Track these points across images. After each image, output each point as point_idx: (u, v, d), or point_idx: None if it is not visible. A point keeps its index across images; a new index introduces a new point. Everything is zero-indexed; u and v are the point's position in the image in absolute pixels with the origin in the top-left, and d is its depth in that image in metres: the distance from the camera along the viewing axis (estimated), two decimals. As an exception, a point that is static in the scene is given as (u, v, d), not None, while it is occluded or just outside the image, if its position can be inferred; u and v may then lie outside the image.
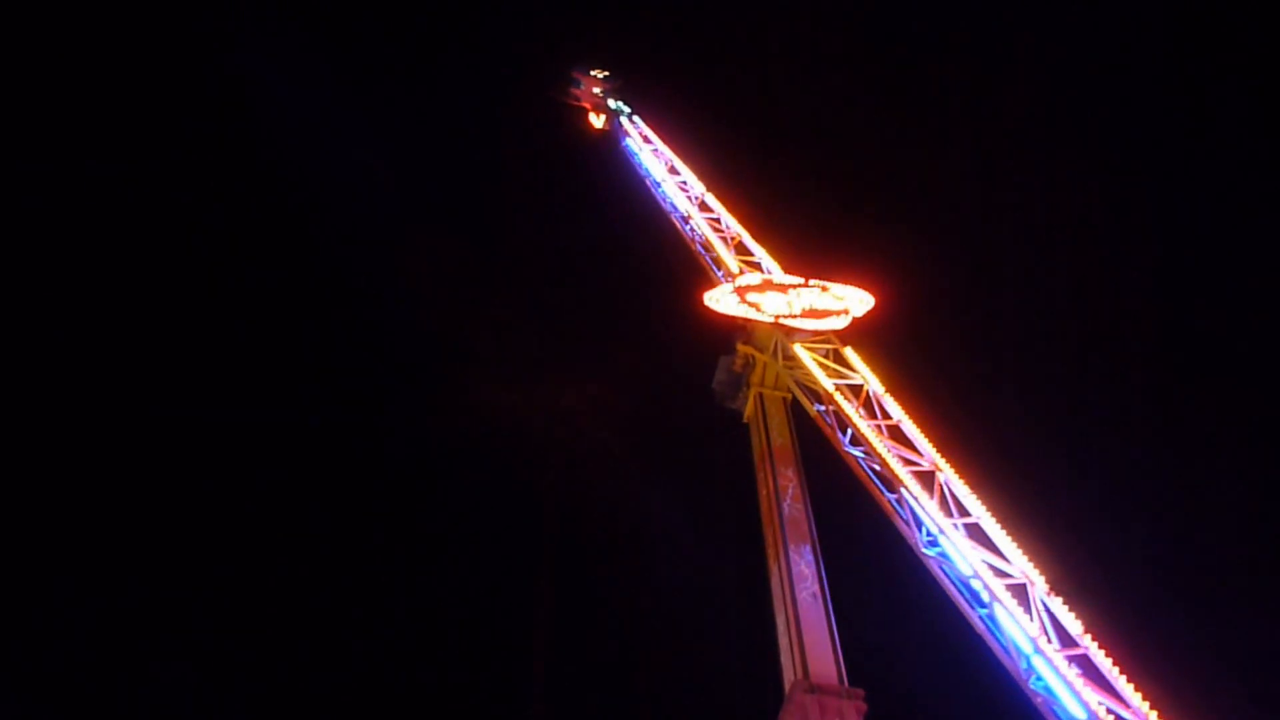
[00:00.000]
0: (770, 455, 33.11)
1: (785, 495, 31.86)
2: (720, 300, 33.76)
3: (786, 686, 27.62)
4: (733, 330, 34.63)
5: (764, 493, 32.64)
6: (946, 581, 28.31)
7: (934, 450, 30.62)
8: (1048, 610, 27.13)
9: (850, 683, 27.20)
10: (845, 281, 35.59)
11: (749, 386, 34.55)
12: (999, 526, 28.79)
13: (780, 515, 31.36)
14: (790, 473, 32.71)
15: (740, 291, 34.14)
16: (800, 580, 29.58)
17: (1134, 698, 25.43)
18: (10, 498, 39.96)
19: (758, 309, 33.77)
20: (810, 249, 37.57)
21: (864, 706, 26.53)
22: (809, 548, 30.37)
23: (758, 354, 34.34)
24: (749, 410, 34.61)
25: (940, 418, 32.26)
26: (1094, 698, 25.38)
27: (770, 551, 30.97)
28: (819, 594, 29.19)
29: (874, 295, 35.31)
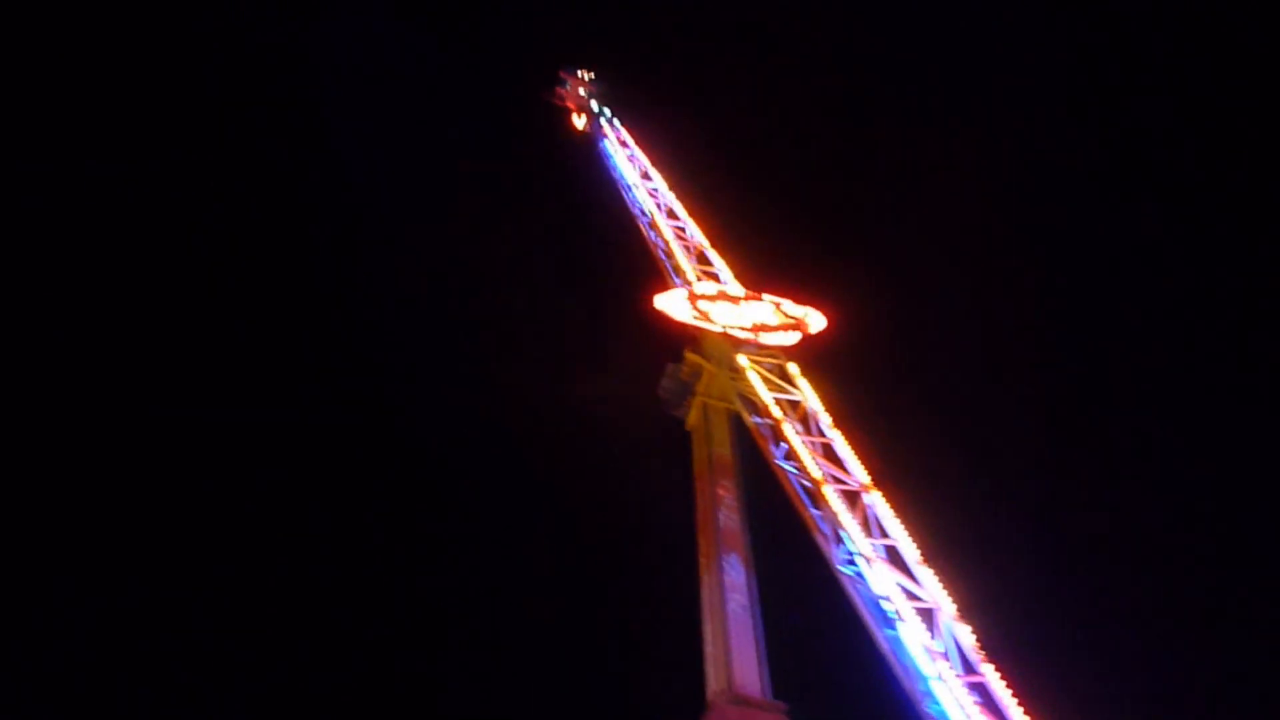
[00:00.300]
0: (710, 465, 33.21)
1: (722, 505, 31.93)
2: (671, 305, 34.04)
3: (709, 695, 27.70)
4: (683, 338, 34.84)
5: (701, 502, 32.78)
6: (858, 600, 28.53)
7: (862, 471, 30.85)
8: (953, 636, 27.40)
9: (774, 696, 27.28)
10: (801, 300, 35.94)
11: (694, 395, 34.63)
12: (916, 550, 29.04)
13: (715, 525, 31.46)
14: (729, 484, 32.79)
15: (692, 299, 34.43)
16: (731, 591, 29.68)
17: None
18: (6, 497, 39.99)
19: (707, 318, 34.05)
20: (770, 265, 37.94)
21: None
22: (741, 559, 30.43)
23: (705, 364, 34.42)
24: (693, 419, 34.75)
25: (873, 441, 32.67)
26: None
27: (703, 561, 31.09)
28: (748, 606, 29.27)
29: (827, 316, 35.65)
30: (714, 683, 27.90)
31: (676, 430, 35.34)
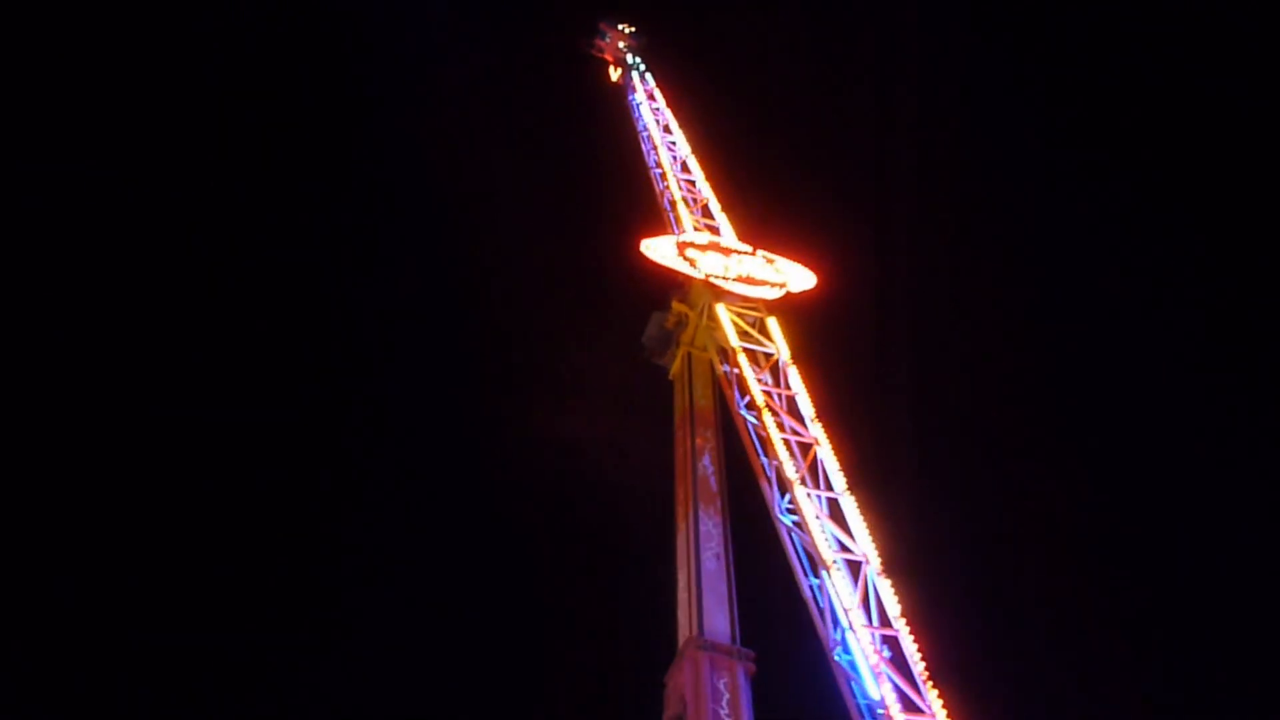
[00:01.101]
0: (692, 415, 33.42)
1: (701, 456, 32.15)
2: (658, 250, 34.30)
3: (680, 642, 28.09)
4: (671, 287, 35.11)
5: (680, 451, 33.02)
6: (790, 547, 28.81)
7: (819, 426, 31.08)
8: (875, 589, 27.57)
9: (744, 644, 27.47)
10: (795, 258, 36.04)
11: (679, 345, 34.88)
12: (854, 504, 29.24)
13: (694, 475, 31.71)
14: (709, 434, 32.97)
15: (681, 246, 34.67)
16: (706, 540, 29.91)
17: (927, 688, 25.78)
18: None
19: (693, 264, 34.26)
20: (775, 225, 37.92)
21: (753, 668, 26.93)
22: (716, 510, 30.63)
23: (691, 313, 34.70)
24: (675, 368, 35.01)
25: (839, 399, 32.86)
26: (890, 681, 25.83)
27: (680, 510, 31.36)
28: (722, 555, 29.47)
29: (817, 276, 35.74)
30: (685, 630, 28.26)
31: (660, 378, 35.71)
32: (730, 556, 29.70)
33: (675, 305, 34.89)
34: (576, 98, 45.26)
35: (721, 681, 26.49)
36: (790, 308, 35.07)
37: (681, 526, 30.96)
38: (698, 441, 32.72)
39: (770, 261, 35.59)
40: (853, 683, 26.15)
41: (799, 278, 35.41)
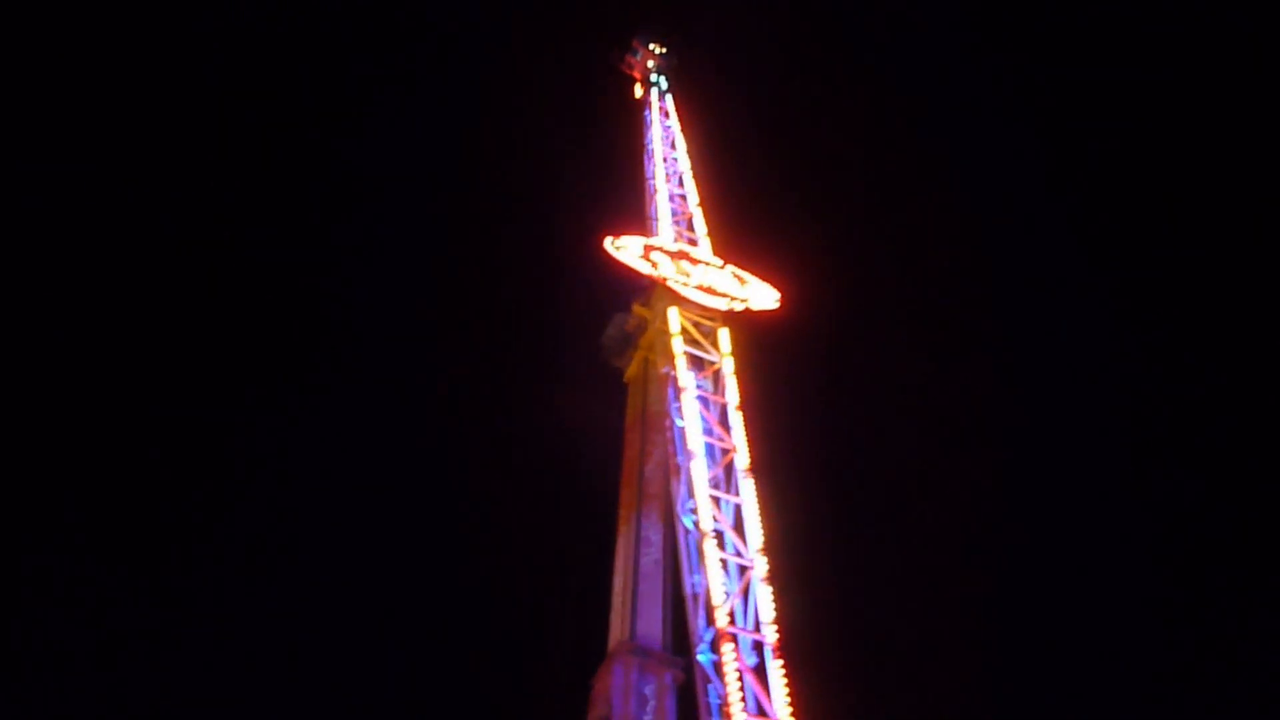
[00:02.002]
0: (644, 419, 33.46)
1: (649, 461, 32.20)
2: (623, 249, 34.37)
3: (610, 645, 28.04)
4: (636, 291, 35.13)
5: (629, 454, 32.95)
6: (682, 543, 28.71)
7: (743, 435, 31.02)
8: (755, 595, 27.53)
9: (675, 652, 27.38)
10: (768, 278, 35.99)
11: (637, 348, 34.78)
12: (756, 513, 29.12)
13: (640, 479, 31.74)
14: (659, 440, 33.01)
15: (648, 248, 34.74)
16: (646, 545, 29.76)
17: (782, 696, 25.46)
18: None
19: (654, 266, 34.27)
20: (759, 245, 37.82)
21: (681, 676, 26.82)
22: (659, 515, 30.44)
23: (651, 318, 34.71)
24: (632, 370, 34.95)
25: (774, 412, 32.71)
26: (746, 685, 25.64)
27: (623, 513, 31.29)
28: (661, 561, 29.31)
29: (781, 296, 35.62)
30: (617, 632, 28.20)
31: (615, 379, 35.72)
32: (669, 563, 29.53)
33: (636, 308, 34.87)
34: (590, 105, 45.15)
35: (649, 688, 26.41)
36: (755, 325, 35.06)
37: (623, 530, 30.85)
38: (647, 447, 32.63)
39: (738, 278, 35.49)
40: (710, 684, 25.86)
41: (763, 296, 35.27)
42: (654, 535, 30.09)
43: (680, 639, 27.51)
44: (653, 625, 28.00)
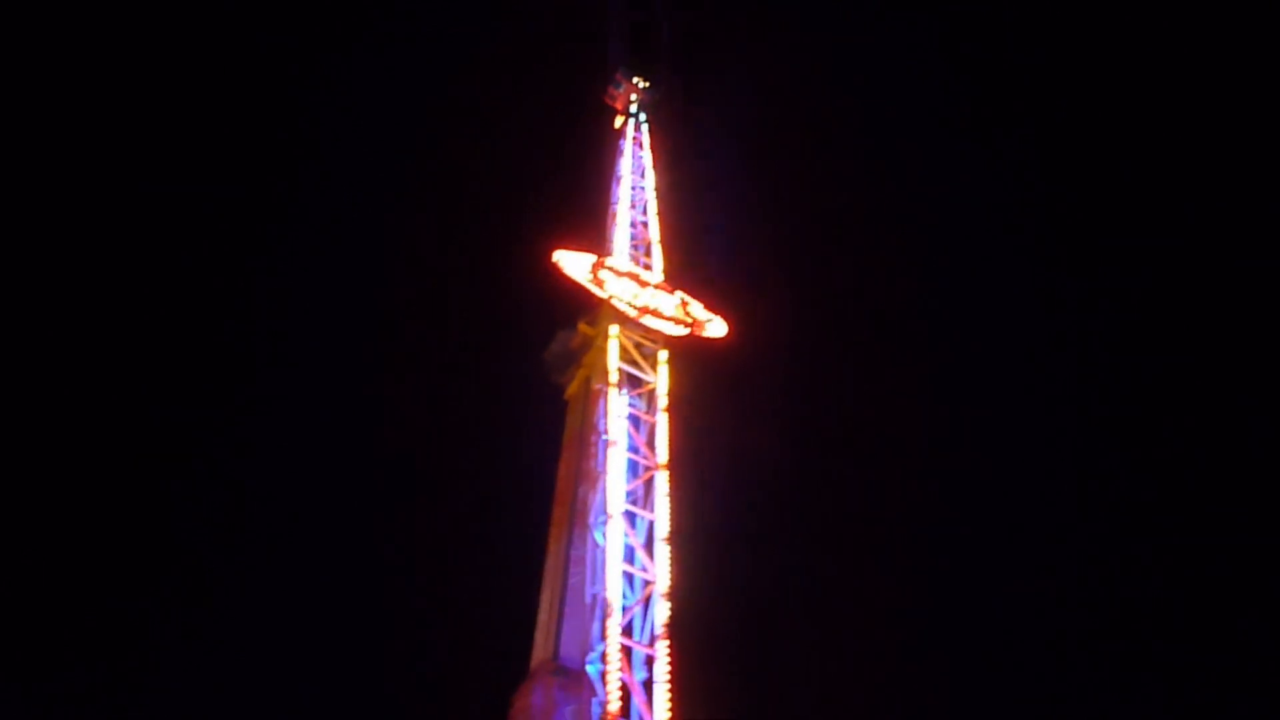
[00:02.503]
0: (581, 437, 33.15)
1: (583, 479, 31.83)
2: (570, 264, 34.19)
3: (533, 664, 27.54)
4: (584, 309, 34.88)
5: (564, 471, 32.52)
6: (589, 555, 28.43)
7: (666, 455, 30.78)
8: (652, 611, 27.51)
9: None
10: (718, 306, 35.81)
11: (580, 366, 34.55)
12: (667, 531, 28.85)
13: (574, 498, 31.34)
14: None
15: (595, 266, 34.55)
16: (576, 564, 29.21)
17: (663, 711, 25.11)
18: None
19: (600, 285, 34.07)
20: (713, 273, 37.65)
21: (605, 698, 26.25)
22: (593, 536, 30.33)
23: (596, 337, 34.47)
24: (573, 388, 34.56)
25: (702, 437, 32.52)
26: (626, 697, 25.32)
27: (554, 531, 30.76)
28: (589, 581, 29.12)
29: (729, 327, 35.43)
30: (540, 651, 27.62)
31: (555, 396, 35.38)
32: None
33: (581, 327, 34.54)
34: (566, 130, 45.09)
35: (569, 708, 25.76)
36: (703, 352, 34.92)
37: (553, 548, 30.25)
38: (584, 465, 32.32)
39: (685, 304, 35.29)
40: (596, 699, 25.45)
41: (711, 325, 35.10)
42: (585, 555, 29.67)
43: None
44: (576, 645, 27.27)
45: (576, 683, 26.29)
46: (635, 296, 34.45)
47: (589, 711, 25.72)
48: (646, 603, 27.45)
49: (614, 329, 33.30)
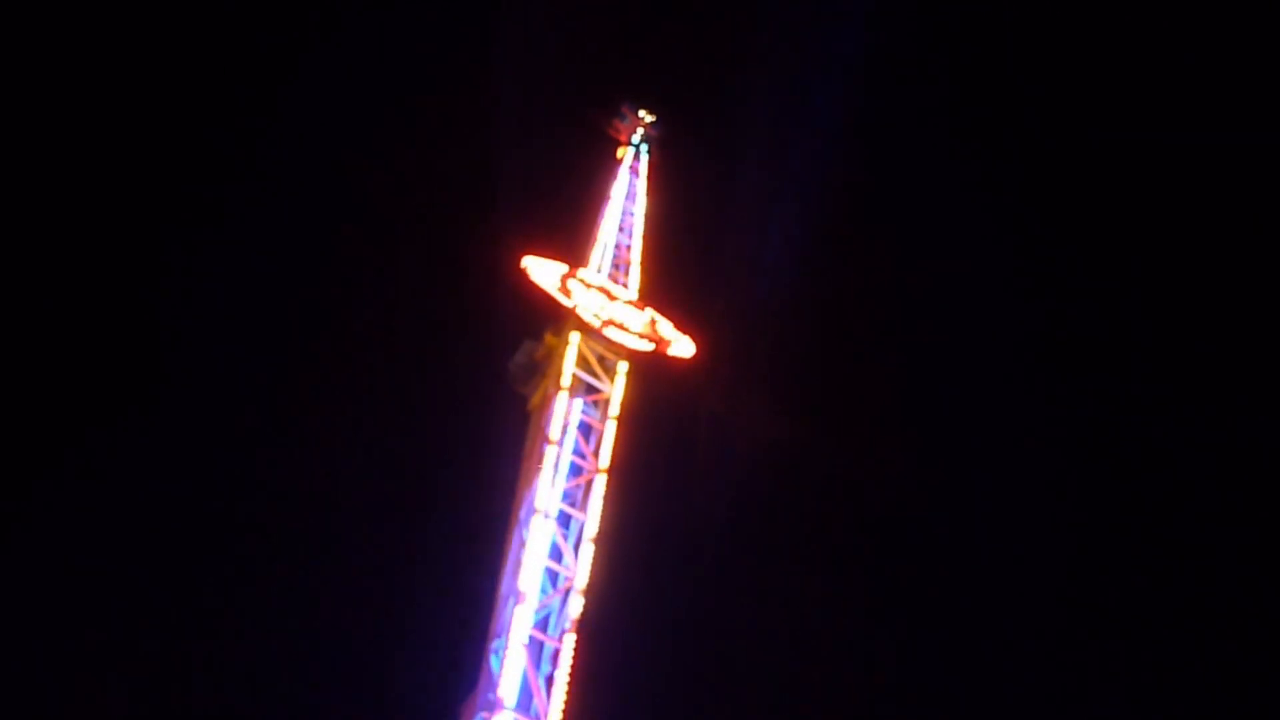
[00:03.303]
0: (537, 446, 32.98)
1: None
2: (538, 270, 34.09)
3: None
4: (548, 319, 34.67)
5: (524, 484, 32.24)
6: (512, 547, 28.12)
7: (608, 459, 30.47)
8: (563, 606, 27.22)
9: None
10: (686, 327, 35.56)
11: (545, 377, 34.35)
12: (595, 531, 28.65)
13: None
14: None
15: (565, 276, 34.40)
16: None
17: (559, 706, 24.69)
18: None
19: (567, 294, 33.89)
20: (690, 298, 37.43)
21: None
22: (520, 533, 29.90)
23: (559, 347, 34.21)
24: (536, 399, 34.33)
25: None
26: (526, 688, 24.92)
27: (509, 541, 30.67)
28: None
29: (697, 349, 35.17)
30: None
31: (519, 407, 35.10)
32: None
33: (548, 338, 34.26)
34: (566, 157, 44.98)
35: None
36: (671, 372, 34.81)
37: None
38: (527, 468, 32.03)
39: (654, 322, 35.05)
40: (491, 688, 24.98)
41: (677, 344, 34.85)
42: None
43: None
44: None
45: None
46: (602, 309, 34.24)
47: None
48: (564, 598, 26.82)
49: (575, 335, 33.06)
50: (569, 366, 32.26)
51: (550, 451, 29.77)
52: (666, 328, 35.18)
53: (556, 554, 28.20)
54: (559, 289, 34.09)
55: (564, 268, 34.85)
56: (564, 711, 24.62)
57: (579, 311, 33.69)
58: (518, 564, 27.40)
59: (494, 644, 25.66)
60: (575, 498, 29.69)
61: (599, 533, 28.51)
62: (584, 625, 26.19)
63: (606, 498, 29.32)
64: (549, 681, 25.35)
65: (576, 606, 26.54)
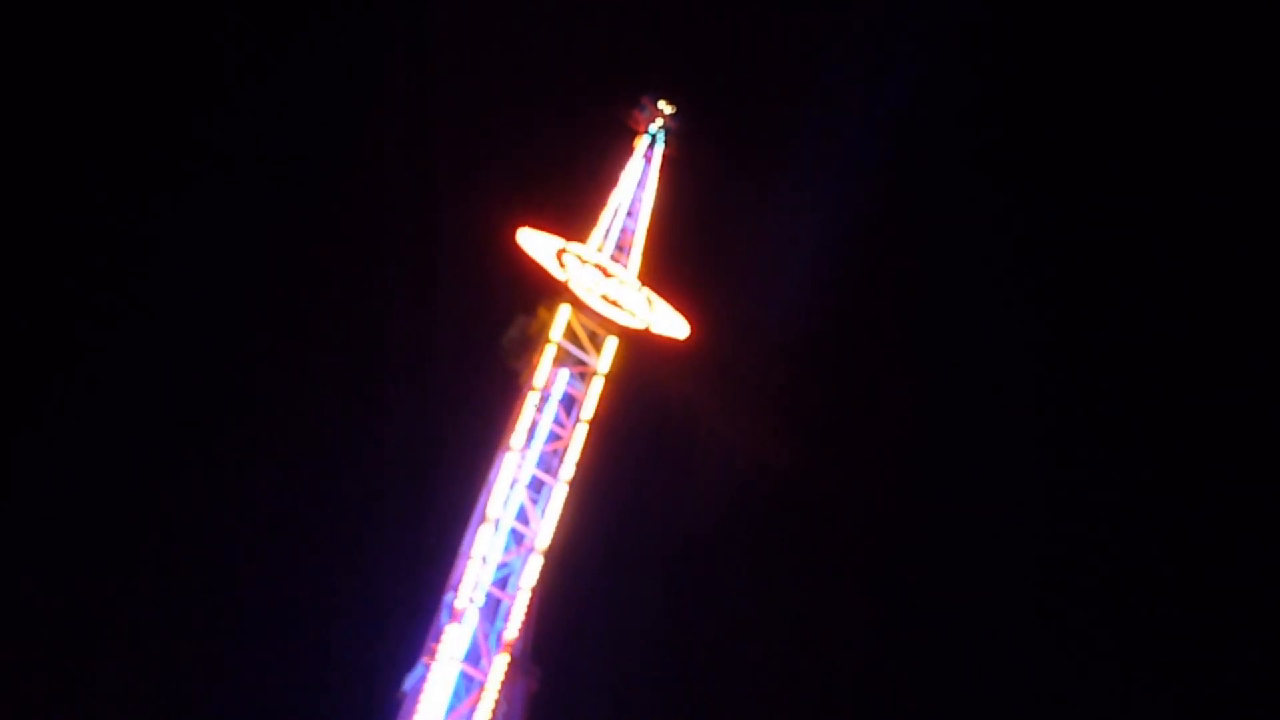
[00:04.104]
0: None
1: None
2: (533, 242, 33.91)
3: None
4: (542, 293, 34.44)
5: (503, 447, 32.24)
6: (480, 505, 27.83)
7: (585, 426, 30.16)
8: (522, 565, 27.07)
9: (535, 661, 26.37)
10: (684, 309, 35.28)
11: (537, 353, 34.18)
12: (564, 495, 28.36)
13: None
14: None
15: (562, 251, 34.19)
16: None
17: (501, 655, 24.31)
18: None
19: (562, 267, 33.68)
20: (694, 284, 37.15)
21: (535, 685, 25.91)
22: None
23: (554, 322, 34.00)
24: (527, 374, 34.22)
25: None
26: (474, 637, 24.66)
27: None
28: None
29: (692, 331, 34.87)
30: None
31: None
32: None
33: (542, 312, 34.06)
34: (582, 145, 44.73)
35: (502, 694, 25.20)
36: (666, 354, 34.57)
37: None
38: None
39: (650, 302, 34.79)
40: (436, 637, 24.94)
41: (670, 324, 34.57)
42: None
43: (538, 649, 26.45)
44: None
45: (511, 669, 25.50)
46: (596, 284, 33.99)
47: (520, 695, 25.46)
48: (525, 558, 26.82)
49: (565, 308, 32.79)
50: (556, 334, 32.04)
51: (528, 410, 29.26)
52: (662, 308, 34.93)
53: (524, 517, 27.84)
54: (555, 263, 33.92)
55: (560, 242, 34.70)
56: (509, 666, 24.13)
57: (571, 285, 33.46)
58: (481, 520, 27.05)
59: (447, 596, 25.29)
60: (550, 463, 29.30)
61: (568, 498, 28.03)
62: (542, 587, 25.77)
63: (580, 464, 28.75)
64: (499, 639, 24.97)
65: (535, 567, 26.14)
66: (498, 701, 24.62)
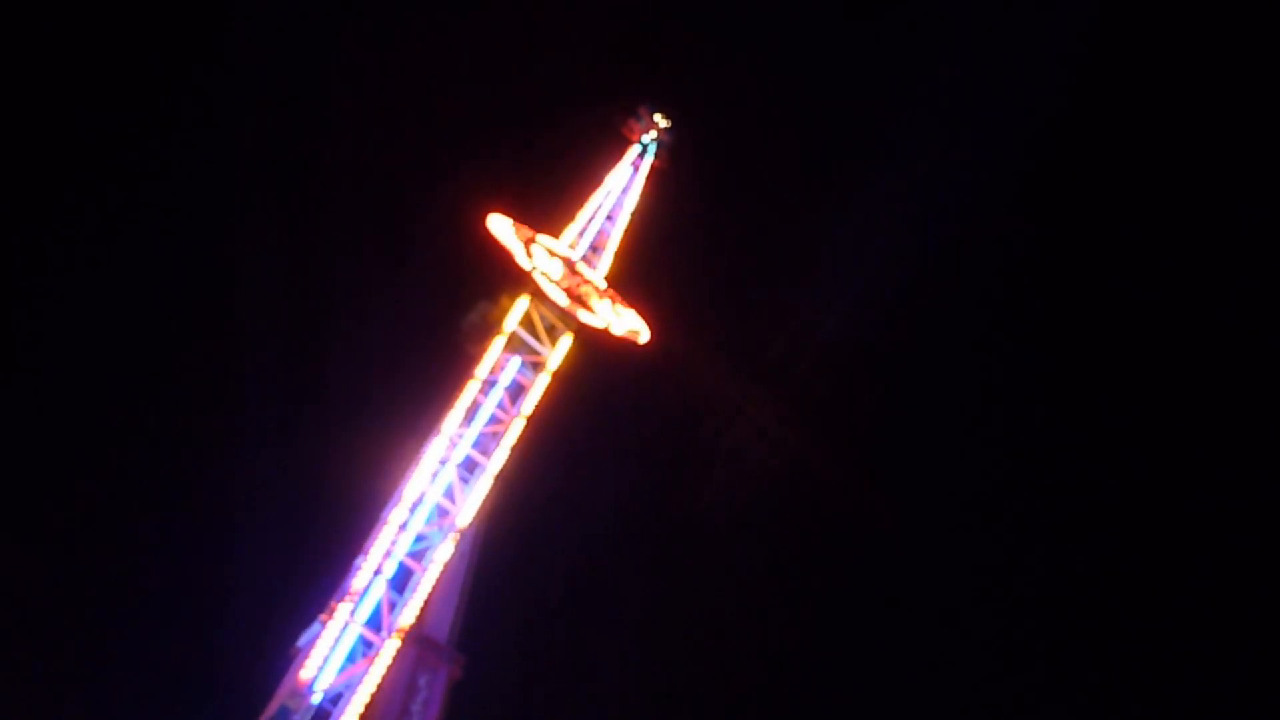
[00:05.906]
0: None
1: None
2: (502, 230, 33.72)
3: None
4: (506, 281, 34.23)
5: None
6: (404, 480, 27.61)
7: (529, 410, 30.12)
8: (441, 541, 26.82)
9: (460, 649, 26.50)
10: (647, 317, 35.13)
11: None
12: (493, 478, 28.13)
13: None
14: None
15: (529, 240, 34.01)
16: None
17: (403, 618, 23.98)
18: None
19: (529, 256, 33.47)
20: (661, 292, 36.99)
21: (459, 673, 25.97)
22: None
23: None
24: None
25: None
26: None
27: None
28: (467, 555, 27.95)
29: (651, 337, 34.71)
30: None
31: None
32: (474, 559, 28.06)
33: (504, 300, 33.89)
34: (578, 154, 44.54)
35: (423, 679, 25.38)
36: (622, 354, 34.45)
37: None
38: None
39: (613, 300, 34.64)
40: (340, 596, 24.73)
41: (631, 327, 34.37)
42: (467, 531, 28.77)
43: (466, 634, 26.70)
44: (442, 618, 26.70)
45: (434, 653, 25.78)
46: (562, 278, 33.76)
47: (441, 685, 25.45)
48: (444, 532, 26.47)
49: (524, 299, 32.57)
50: (511, 323, 31.77)
51: (468, 394, 29.02)
52: (626, 311, 34.75)
53: (451, 494, 27.57)
54: (523, 251, 33.71)
55: (530, 232, 34.54)
56: (404, 632, 23.80)
57: (535, 275, 33.24)
58: (402, 492, 26.76)
59: (357, 560, 24.96)
60: (487, 445, 29.04)
61: (498, 478, 27.80)
62: (459, 560, 25.57)
63: (515, 449, 28.48)
64: (404, 609, 24.67)
65: (448, 539, 25.81)
66: (398, 673, 24.41)
